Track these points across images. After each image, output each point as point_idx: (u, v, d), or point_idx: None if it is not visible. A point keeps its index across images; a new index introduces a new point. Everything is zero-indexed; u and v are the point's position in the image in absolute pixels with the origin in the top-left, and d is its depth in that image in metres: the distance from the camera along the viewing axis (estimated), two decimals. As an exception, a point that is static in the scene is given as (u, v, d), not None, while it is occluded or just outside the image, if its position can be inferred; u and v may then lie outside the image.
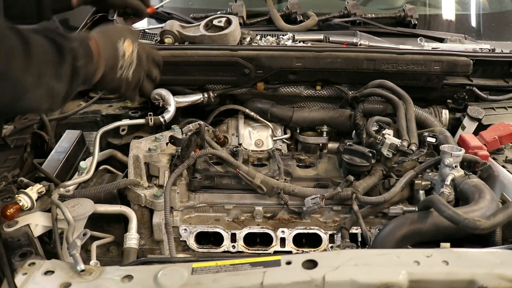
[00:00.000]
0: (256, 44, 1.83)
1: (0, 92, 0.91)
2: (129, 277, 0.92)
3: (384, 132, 1.44)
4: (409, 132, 1.48)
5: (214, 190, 1.47)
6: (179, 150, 1.45)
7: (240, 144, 1.68)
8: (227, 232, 1.42)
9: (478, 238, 1.26)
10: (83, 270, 0.94)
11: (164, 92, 1.68)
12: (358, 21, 2.08)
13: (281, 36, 1.90)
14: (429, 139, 1.42)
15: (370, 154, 1.41)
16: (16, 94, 0.93)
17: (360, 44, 1.91)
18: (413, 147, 1.42)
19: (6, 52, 0.89)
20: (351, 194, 1.35)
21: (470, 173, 1.29)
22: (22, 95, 0.94)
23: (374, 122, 1.50)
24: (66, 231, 1.13)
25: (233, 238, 1.42)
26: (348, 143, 1.48)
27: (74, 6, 1.43)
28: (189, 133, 1.53)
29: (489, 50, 1.87)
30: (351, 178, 1.38)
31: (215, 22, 1.81)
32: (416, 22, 2.10)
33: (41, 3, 1.35)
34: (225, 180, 1.47)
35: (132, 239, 1.30)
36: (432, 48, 1.88)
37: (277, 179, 1.44)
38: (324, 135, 1.71)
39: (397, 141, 1.40)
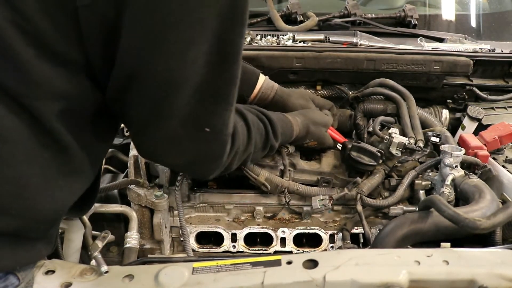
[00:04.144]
0: (256, 44, 1.82)
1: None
2: (130, 276, 0.92)
3: (390, 131, 1.42)
4: (413, 129, 1.47)
5: (214, 190, 1.47)
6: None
7: None
8: (228, 232, 1.42)
9: (478, 238, 1.26)
10: (107, 271, 0.93)
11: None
12: (358, 21, 2.07)
13: (281, 36, 1.90)
14: (433, 138, 1.41)
15: (379, 154, 1.38)
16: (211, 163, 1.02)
17: (360, 44, 1.91)
18: (420, 144, 1.40)
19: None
20: (356, 194, 1.35)
21: (470, 173, 1.29)
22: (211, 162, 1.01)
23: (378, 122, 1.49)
24: (85, 233, 1.15)
25: (234, 238, 1.42)
26: (356, 140, 1.47)
27: None
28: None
29: (489, 50, 1.87)
30: (359, 180, 1.37)
31: (215, 22, 1.81)
32: (416, 22, 2.10)
33: None
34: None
35: (132, 238, 1.31)
36: (432, 48, 1.87)
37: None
38: (325, 135, 1.70)
39: (404, 139, 1.39)
